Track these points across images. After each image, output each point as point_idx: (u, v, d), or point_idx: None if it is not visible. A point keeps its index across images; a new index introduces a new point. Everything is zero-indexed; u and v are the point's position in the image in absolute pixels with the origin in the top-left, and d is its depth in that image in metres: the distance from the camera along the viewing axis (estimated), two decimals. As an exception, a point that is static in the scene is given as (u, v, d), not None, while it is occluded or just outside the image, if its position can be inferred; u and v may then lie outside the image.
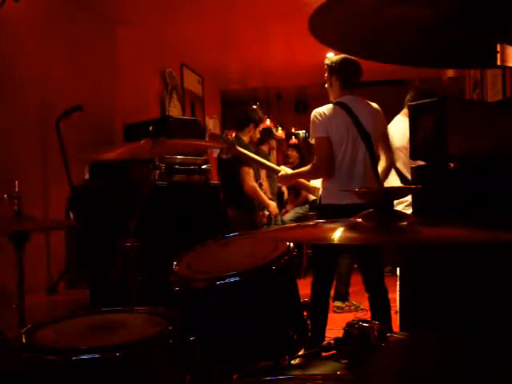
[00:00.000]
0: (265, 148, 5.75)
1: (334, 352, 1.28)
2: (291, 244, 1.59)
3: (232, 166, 4.35)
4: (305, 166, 3.25)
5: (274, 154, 7.25)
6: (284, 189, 6.76)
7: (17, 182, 2.03)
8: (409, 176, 3.49)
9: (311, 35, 1.09)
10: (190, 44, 5.67)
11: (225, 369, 1.45)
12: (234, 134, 4.71)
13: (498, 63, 1.12)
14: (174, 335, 1.19)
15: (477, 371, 0.82)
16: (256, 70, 7.13)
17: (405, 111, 3.74)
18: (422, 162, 1.94)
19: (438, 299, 1.71)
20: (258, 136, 4.74)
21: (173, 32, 5.19)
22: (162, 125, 3.46)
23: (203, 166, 3.44)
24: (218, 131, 7.54)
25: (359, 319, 1.22)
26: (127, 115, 4.33)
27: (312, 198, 5.04)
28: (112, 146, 2.91)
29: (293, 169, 3.45)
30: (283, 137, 9.35)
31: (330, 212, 2.94)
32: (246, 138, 4.51)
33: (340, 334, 1.21)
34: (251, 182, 4.39)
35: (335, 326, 2.88)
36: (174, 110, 5.75)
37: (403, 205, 3.28)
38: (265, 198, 4.55)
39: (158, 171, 2.91)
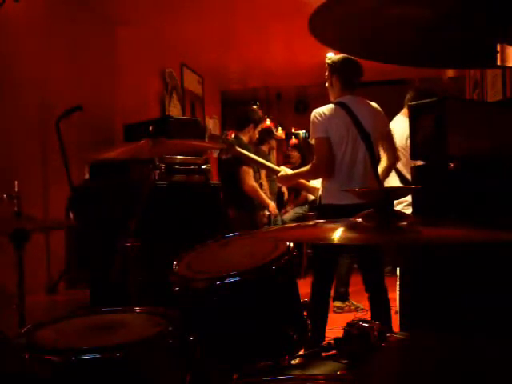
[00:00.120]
0: (265, 148, 5.76)
1: (334, 352, 1.28)
2: (291, 244, 1.58)
3: (232, 166, 4.35)
4: (306, 166, 3.25)
5: (274, 153, 7.25)
6: (284, 189, 6.76)
7: (16, 182, 2.03)
8: (408, 176, 3.49)
9: (311, 35, 1.09)
10: (190, 44, 5.67)
11: (225, 369, 1.45)
12: (233, 135, 4.71)
13: (498, 63, 1.12)
14: (174, 335, 1.19)
15: (477, 371, 0.82)
16: (256, 69, 7.13)
17: (405, 111, 3.74)
18: (421, 162, 1.94)
19: (438, 299, 1.71)
20: (257, 136, 4.75)
21: (173, 32, 5.19)
22: (162, 125, 3.46)
23: (203, 166, 3.44)
24: (217, 131, 7.54)
25: (359, 319, 1.22)
26: (127, 115, 4.33)
27: (311, 198, 5.04)
28: (112, 146, 2.91)
29: (294, 169, 3.45)
30: (283, 137, 9.36)
31: (329, 212, 2.94)
32: (245, 138, 4.52)
33: (340, 334, 1.21)
34: (251, 181, 4.39)
35: (335, 326, 2.88)
36: (174, 110, 5.75)
37: (403, 205, 3.28)
38: (265, 197, 4.56)
39: (157, 171, 2.91)
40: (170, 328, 1.19)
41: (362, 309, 4.58)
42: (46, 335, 1.20)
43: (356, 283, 4.15)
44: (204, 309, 1.50)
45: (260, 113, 4.81)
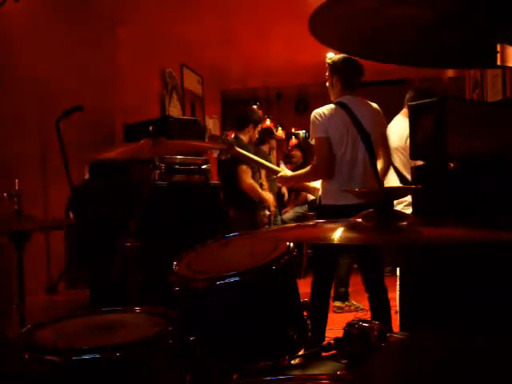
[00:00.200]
0: (265, 148, 5.76)
1: (334, 352, 1.28)
2: (291, 244, 1.58)
3: (231, 166, 4.35)
4: (307, 166, 3.25)
5: (274, 153, 7.25)
6: (284, 190, 6.76)
7: (17, 181, 2.03)
8: (408, 176, 3.49)
9: (311, 35, 1.09)
10: (190, 44, 5.67)
11: (225, 369, 1.45)
12: (233, 135, 4.71)
13: (498, 63, 1.12)
14: (174, 335, 1.19)
15: (477, 371, 0.82)
16: (256, 69, 7.13)
17: (404, 111, 3.74)
18: (421, 162, 1.94)
19: (438, 299, 1.71)
20: (257, 136, 4.75)
21: (173, 32, 5.19)
22: (162, 125, 3.46)
23: (203, 166, 3.44)
24: (217, 131, 7.54)
25: (359, 319, 1.22)
26: (127, 115, 4.33)
27: (311, 198, 5.04)
28: (112, 146, 2.91)
29: (295, 169, 3.45)
30: (283, 137, 9.36)
31: (329, 212, 2.94)
32: (245, 138, 4.52)
33: (340, 334, 1.21)
34: (248, 179, 4.39)
35: (335, 326, 2.88)
36: (174, 110, 5.75)
37: (403, 205, 3.28)
38: (262, 193, 4.55)
39: (157, 171, 2.91)
40: (170, 328, 1.19)
41: (362, 309, 4.58)
42: (45, 335, 1.20)
43: (356, 283, 4.15)
44: (204, 309, 1.50)
45: (260, 113, 4.81)
